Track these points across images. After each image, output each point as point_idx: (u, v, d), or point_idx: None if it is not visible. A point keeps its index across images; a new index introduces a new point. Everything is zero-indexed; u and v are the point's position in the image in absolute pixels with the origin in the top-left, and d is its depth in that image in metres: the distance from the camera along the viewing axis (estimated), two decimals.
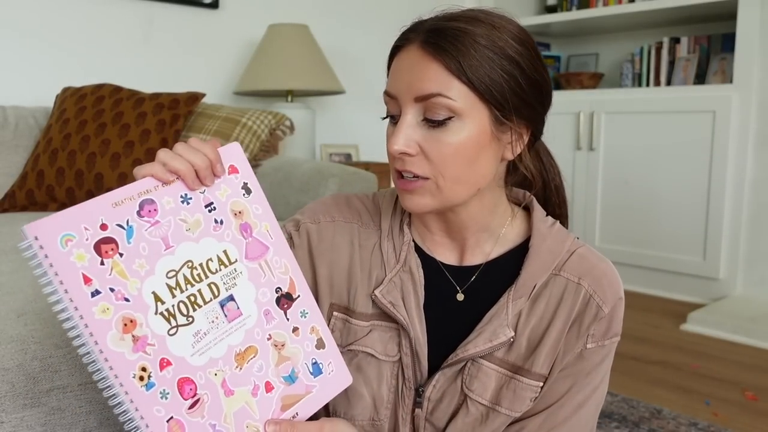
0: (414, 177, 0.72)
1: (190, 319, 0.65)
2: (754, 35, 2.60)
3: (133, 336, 0.62)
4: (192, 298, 0.66)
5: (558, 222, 0.82)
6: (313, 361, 0.73)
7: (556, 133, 3.11)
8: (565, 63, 3.63)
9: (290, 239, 0.85)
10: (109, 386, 0.61)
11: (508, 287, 0.78)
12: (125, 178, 1.73)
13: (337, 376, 0.75)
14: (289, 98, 2.60)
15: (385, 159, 2.91)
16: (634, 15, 3.01)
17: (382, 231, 0.83)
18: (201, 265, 0.67)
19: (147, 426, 0.62)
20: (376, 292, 0.79)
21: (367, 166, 2.60)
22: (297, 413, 0.72)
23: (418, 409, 0.79)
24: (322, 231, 0.84)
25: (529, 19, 3.30)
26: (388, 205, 0.85)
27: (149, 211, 0.65)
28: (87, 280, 0.60)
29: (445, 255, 0.82)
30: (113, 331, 0.61)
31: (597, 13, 3.11)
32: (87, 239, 0.61)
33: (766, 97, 2.60)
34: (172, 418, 0.63)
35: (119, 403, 0.61)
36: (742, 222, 2.68)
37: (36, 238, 0.58)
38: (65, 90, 1.96)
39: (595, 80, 3.27)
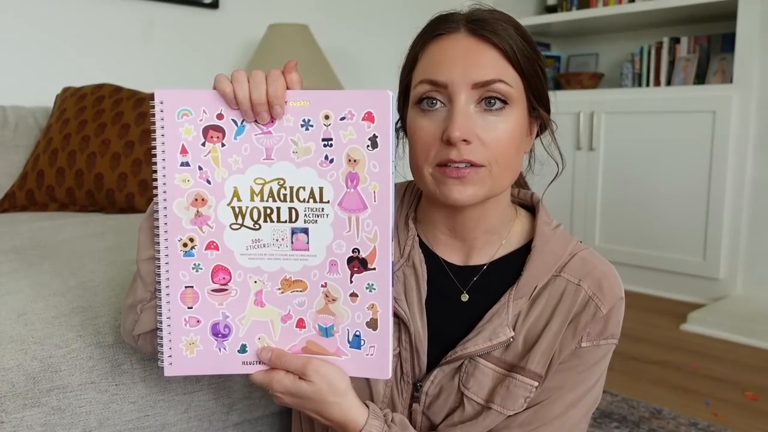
0: (467, 165, 0.70)
1: (257, 226, 0.69)
2: (754, 35, 2.60)
3: (197, 211, 0.69)
4: (268, 210, 0.69)
5: (562, 224, 0.82)
6: (356, 333, 0.71)
7: (557, 133, 3.10)
8: (565, 63, 3.63)
9: None
10: (157, 235, 0.69)
11: (509, 287, 0.78)
12: (125, 178, 1.73)
13: (374, 363, 0.71)
14: None
15: None
16: (634, 15, 3.01)
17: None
18: (291, 188, 0.68)
19: (167, 279, 0.69)
20: None
21: None
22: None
23: (416, 403, 0.79)
24: None
25: (529, 19, 3.30)
26: (396, 199, 0.85)
27: (269, 151, 0.68)
28: (184, 151, 0.67)
29: (450, 254, 0.82)
30: (181, 199, 0.68)
31: (597, 13, 3.11)
32: (201, 120, 0.67)
33: (766, 97, 2.60)
34: (192, 287, 0.70)
35: (158, 253, 0.69)
36: (742, 222, 2.68)
37: (161, 102, 0.66)
38: (65, 90, 1.96)
39: (595, 80, 3.27)
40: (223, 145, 0.67)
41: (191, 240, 0.69)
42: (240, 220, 0.69)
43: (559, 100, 3.07)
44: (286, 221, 0.69)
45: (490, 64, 0.71)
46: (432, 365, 0.79)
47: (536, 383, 0.76)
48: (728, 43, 2.88)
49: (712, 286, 2.74)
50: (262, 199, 0.68)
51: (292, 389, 0.70)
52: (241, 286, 0.70)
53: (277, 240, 0.69)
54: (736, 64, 2.65)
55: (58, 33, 2.25)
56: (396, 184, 0.87)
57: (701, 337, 2.34)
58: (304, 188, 0.68)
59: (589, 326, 0.76)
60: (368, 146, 0.67)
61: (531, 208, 0.85)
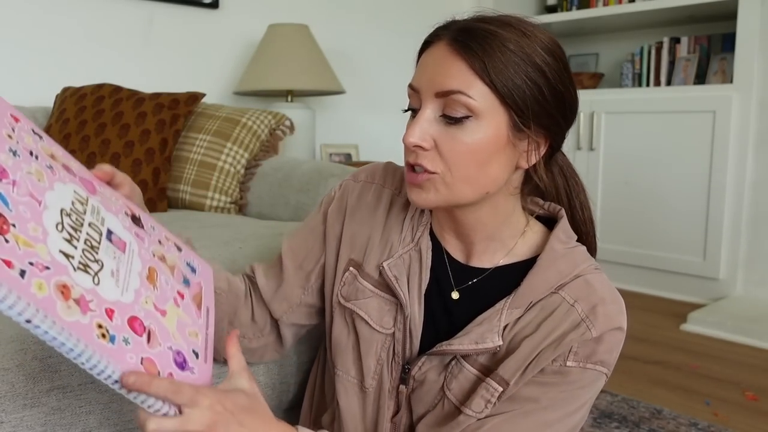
0: (423, 171, 0.73)
1: (100, 263, 0.64)
2: (754, 35, 2.60)
3: (75, 300, 0.59)
4: (88, 243, 0.64)
5: (582, 246, 0.81)
6: (186, 262, 0.77)
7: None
8: None
9: (331, 199, 0.91)
10: (80, 353, 0.59)
11: (505, 295, 0.77)
12: None
13: (204, 268, 0.81)
14: (289, 98, 2.60)
15: (384, 158, 2.91)
16: (634, 15, 3.01)
17: (410, 209, 0.85)
18: (71, 209, 0.65)
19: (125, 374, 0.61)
20: (385, 264, 0.81)
21: None
22: (208, 308, 0.76)
23: (403, 385, 0.81)
24: (357, 190, 0.89)
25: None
26: None
27: (1, 171, 0.60)
28: (8, 263, 0.55)
29: (454, 251, 0.83)
30: (59, 303, 0.58)
31: (597, 13, 3.11)
32: None
33: (766, 97, 2.60)
34: (143, 359, 0.63)
35: (101, 370, 0.60)
36: (742, 222, 2.68)
37: None
38: (65, 90, 1.96)
39: (595, 80, 3.27)
40: (14, 225, 0.58)
41: (100, 326, 0.61)
42: (91, 272, 0.63)
43: None
44: (99, 238, 0.66)
45: (454, 74, 0.70)
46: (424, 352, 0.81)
47: (501, 389, 0.74)
48: (728, 43, 2.88)
49: (712, 286, 2.74)
50: (77, 240, 0.63)
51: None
52: (148, 316, 0.67)
53: (114, 258, 0.66)
54: (736, 64, 2.65)
55: (58, 33, 2.25)
56: None
57: (701, 337, 2.34)
58: (74, 201, 0.66)
59: (576, 346, 0.73)
60: (39, 139, 0.68)
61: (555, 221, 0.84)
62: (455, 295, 0.81)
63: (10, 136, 0.63)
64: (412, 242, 0.83)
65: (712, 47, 2.99)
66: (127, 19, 2.40)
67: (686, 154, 2.75)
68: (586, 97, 3.07)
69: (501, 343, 0.75)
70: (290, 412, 1.09)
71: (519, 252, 0.80)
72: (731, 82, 2.73)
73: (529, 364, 0.74)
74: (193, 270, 0.77)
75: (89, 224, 0.65)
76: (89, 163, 1.74)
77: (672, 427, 1.63)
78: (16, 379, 0.84)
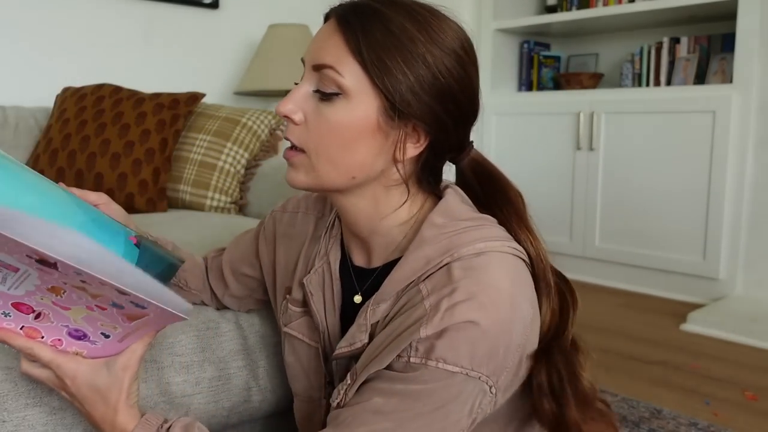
0: (293, 148, 0.71)
1: None
2: (754, 35, 2.60)
3: None
4: None
5: (483, 224, 0.72)
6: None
7: (556, 133, 3.11)
8: (565, 63, 3.63)
9: (263, 224, 0.95)
10: None
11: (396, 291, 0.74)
12: (125, 178, 1.73)
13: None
14: None
15: None
16: (634, 15, 3.01)
17: (327, 224, 0.85)
18: None
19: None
20: (305, 279, 0.82)
21: None
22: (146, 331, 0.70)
23: (326, 399, 0.83)
24: (285, 220, 0.91)
25: (529, 19, 3.30)
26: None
27: None
28: None
29: (357, 256, 0.81)
30: None
31: (597, 13, 3.10)
32: None
33: (766, 97, 2.60)
34: (23, 327, 0.68)
35: None
36: (742, 222, 2.68)
37: None
38: (65, 90, 1.96)
39: (595, 80, 3.27)
40: None
41: None
42: None
43: (559, 100, 3.09)
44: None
45: (329, 49, 0.67)
46: None
47: (350, 382, 0.70)
48: (728, 43, 2.88)
49: (712, 286, 2.74)
50: None
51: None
52: (42, 306, 0.66)
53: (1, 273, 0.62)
54: (736, 64, 2.65)
55: (58, 33, 2.25)
56: None
57: (701, 337, 2.34)
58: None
59: (416, 341, 0.65)
60: None
61: None
62: (357, 299, 0.78)
63: None
64: (325, 255, 0.82)
65: (712, 47, 2.99)
66: (127, 19, 2.40)
67: (686, 155, 2.75)
68: (586, 97, 3.07)
69: (367, 341, 0.72)
70: (288, 415, 1.09)
71: (406, 244, 0.74)
72: (731, 82, 2.73)
73: (374, 358, 0.68)
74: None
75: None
76: (90, 162, 1.74)
77: (672, 427, 1.63)
78: (18, 378, 0.85)
